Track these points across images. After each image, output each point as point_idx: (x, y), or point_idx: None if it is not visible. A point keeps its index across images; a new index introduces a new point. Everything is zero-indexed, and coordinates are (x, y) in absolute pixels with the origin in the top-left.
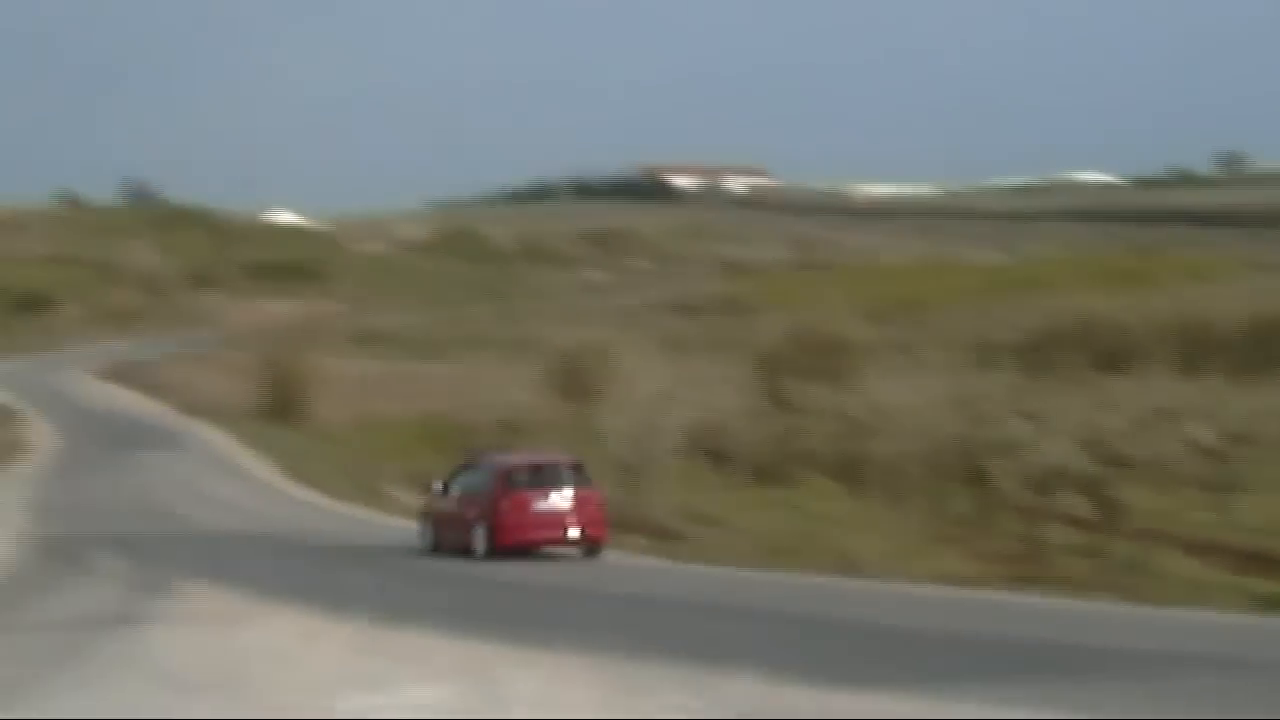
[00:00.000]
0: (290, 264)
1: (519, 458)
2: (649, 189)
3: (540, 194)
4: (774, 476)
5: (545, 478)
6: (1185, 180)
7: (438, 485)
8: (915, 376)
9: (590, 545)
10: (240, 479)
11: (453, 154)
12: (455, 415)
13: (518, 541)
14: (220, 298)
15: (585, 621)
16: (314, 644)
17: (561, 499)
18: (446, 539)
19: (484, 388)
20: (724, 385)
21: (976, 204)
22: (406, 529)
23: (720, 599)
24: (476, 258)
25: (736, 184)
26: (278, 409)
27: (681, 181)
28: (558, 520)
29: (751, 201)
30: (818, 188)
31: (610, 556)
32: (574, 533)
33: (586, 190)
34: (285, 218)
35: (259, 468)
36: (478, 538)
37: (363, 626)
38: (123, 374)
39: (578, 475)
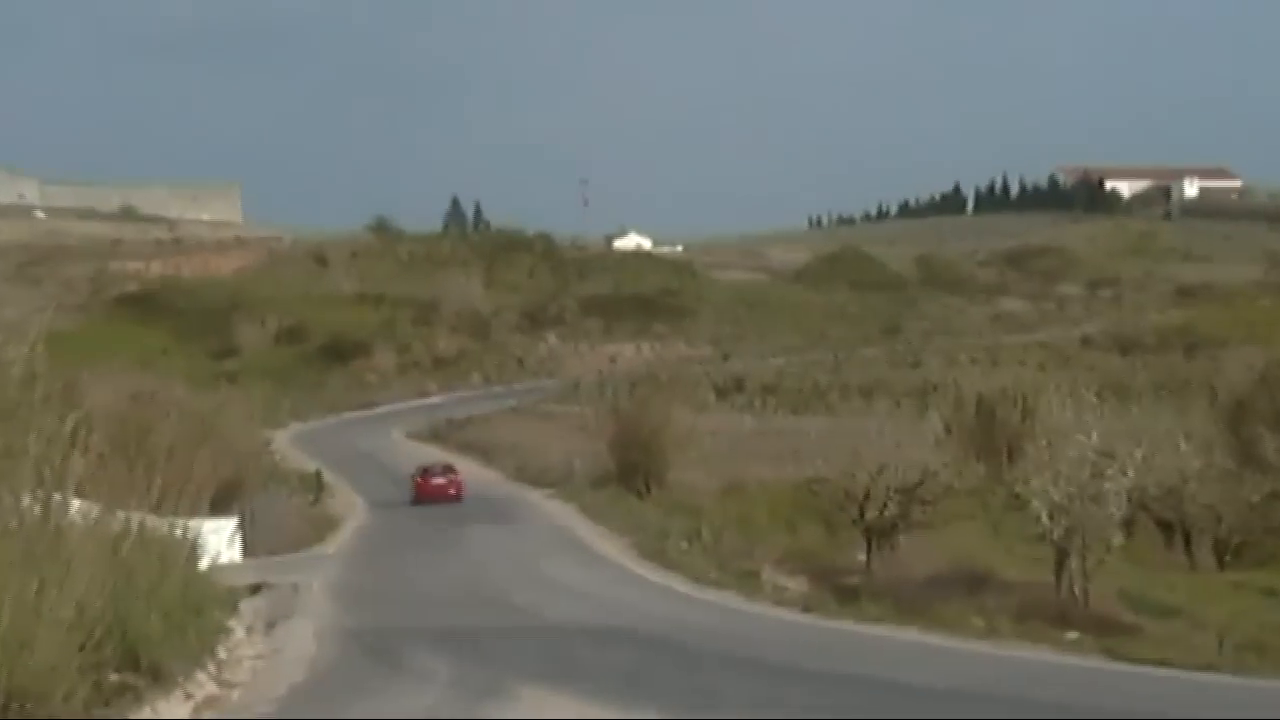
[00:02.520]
0: (641, 298)
1: None
2: (1080, 197)
3: (943, 208)
4: (1248, 555)
5: None
6: None
7: None
8: None
9: None
10: (586, 559)
11: (833, 164)
12: (841, 480)
13: None
14: (558, 340)
15: None
16: None
17: None
18: None
19: (876, 446)
20: (1179, 440)
21: None
22: (792, 623)
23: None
24: (866, 285)
25: (1192, 188)
26: (629, 474)
27: (1122, 186)
28: None
29: (1211, 210)
30: None
31: (1038, 654)
32: None
33: (1001, 202)
34: (634, 243)
35: (608, 545)
36: None
37: None
38: (444, 434)
39: None
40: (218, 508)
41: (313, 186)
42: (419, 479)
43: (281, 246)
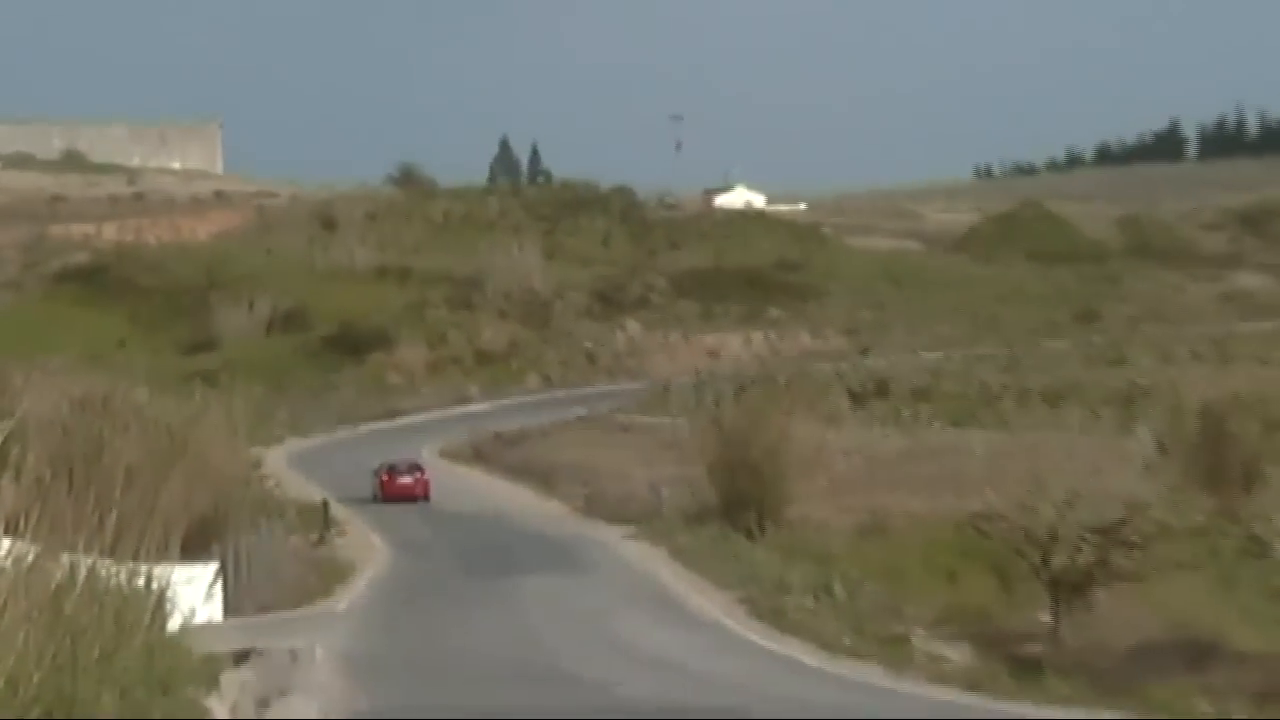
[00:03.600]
0: (752, 273)
1: None
2: None
3: (1155, 153)
4: None
5: None
6: None
7: None
8: None
9: None
10: (678, 619)
11: (1008, 95)
12: (1018, 517)
13: None
14: (641, 329)
15: None
16: None
17: None
18: None
19: (1066, 470)
20: None
21: None
22: (954, 705)
23: None
24: (1052, 255)
25: None
26: (736, 508)
27: None
28: None
29: None
30: None
31: None
32: None
33: (1233, 144)
34: (743, 200)
35: (708, 601)
36: None
37: None
38: (490, 453)
39: None
40: (192, 550)
41: (316, 126)
42: (384, 476)
43: (276, 205)
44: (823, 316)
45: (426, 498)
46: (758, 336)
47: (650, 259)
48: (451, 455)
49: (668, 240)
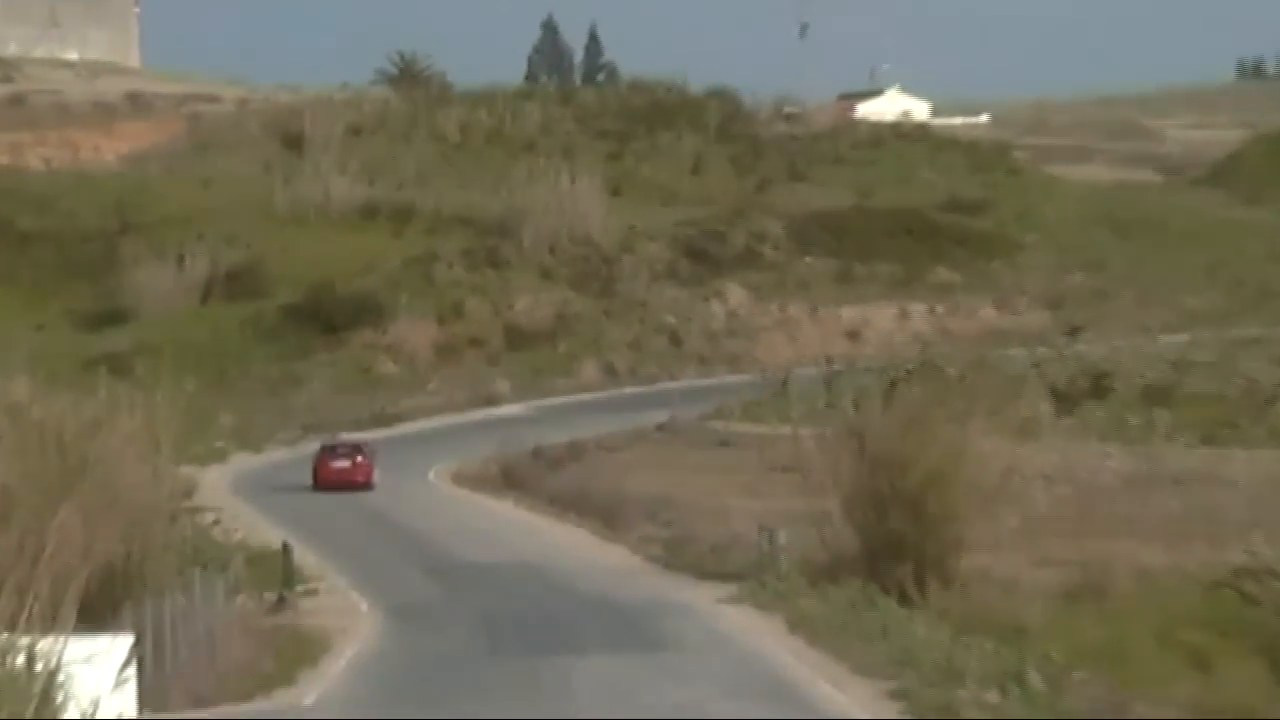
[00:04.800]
0: (910, 217)
1: None
2: None
3: None
4: None
5: None
6: None
7: None
8: None
9: None
10: None
11: None
12: None
13: None
14: (748, 296)
15: None
16: None
17: None
18: None
19: None
20: None
21: None
22: None
23: None
24: None
25: None
26: (885, 558)
27: None
28: None
29: None
30: None
31: None
32: None
33: None
34: (897, 110)
35: (841, 695)
36: None
37: None
38: (526, 477)
39: None
40: (95, 615)
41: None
42: (320, 460)
43: (216, 115)
44: (1014, 280)
45: (369, 486)
46: (918, 309)
47: (761, 195)
48: (470, 480)
49: (787, 169)
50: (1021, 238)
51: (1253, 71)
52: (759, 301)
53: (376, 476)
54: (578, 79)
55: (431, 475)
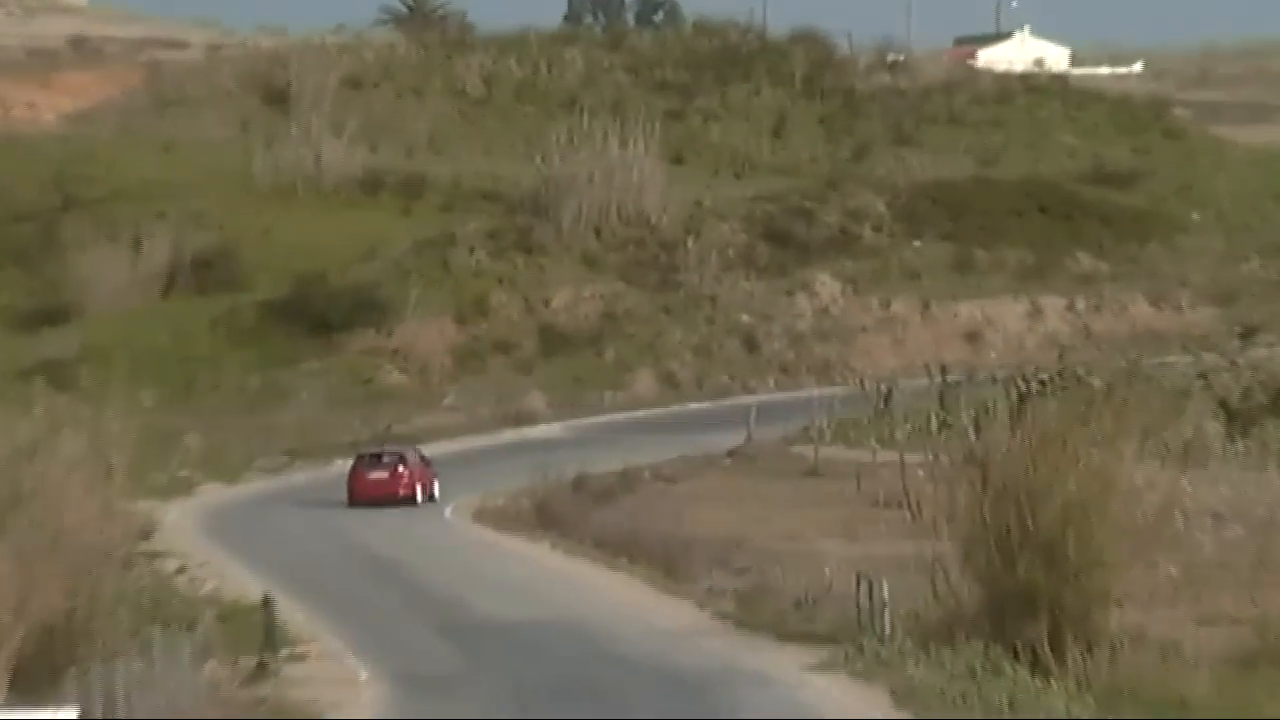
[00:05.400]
0: (1046, 188)
1: None
2: None
3: None
4: None
5: None
6: None
7: None
8: None
9: None
10: None
11: None
12: None
13: None
14: (840, 286)
15: None
16: None
17: None
18: None
19: None
20: None
21: None
22: None
23: None
24: None
25: None
26: (1011, 613)
27: None
28: None
29: None
30: None
31: None
32: None
33: None
34: (1029, 57)
35: None
36: None
37: None
38: (565, 514)
39: None
40: (31, 683)
41: None
42: (355, 470)
43: (181, 64)
44: (1173, 269)
45: (430, 497)
46: (1054, 305)
47: (859, 164)
48: (496, 518)
49: (891, 130)
50: (1184, 216)
51: None
52: (856, 296)
53: (436, 489)
54: (630, 19)
55: (448, 512)
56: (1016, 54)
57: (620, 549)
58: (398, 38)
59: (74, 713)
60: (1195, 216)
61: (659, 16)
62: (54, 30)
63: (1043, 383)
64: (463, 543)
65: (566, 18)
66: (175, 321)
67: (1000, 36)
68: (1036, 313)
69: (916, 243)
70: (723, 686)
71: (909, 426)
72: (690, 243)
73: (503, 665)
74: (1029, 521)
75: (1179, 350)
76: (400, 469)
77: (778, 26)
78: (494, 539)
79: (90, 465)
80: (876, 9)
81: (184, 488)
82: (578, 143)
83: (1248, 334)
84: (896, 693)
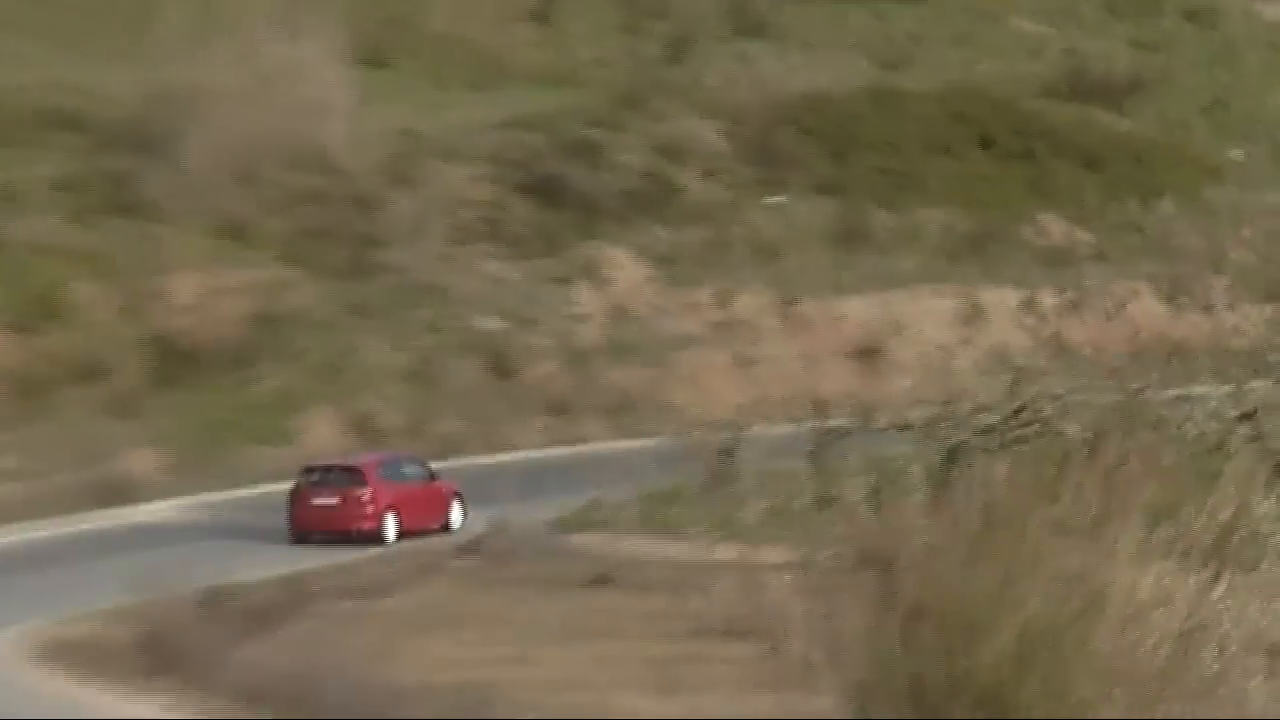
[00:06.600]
0: (981, 101)
1: None
2: None
3: None
4: None
5: None
6: None
7: None
8: None
9: None
10: None
11: None
12: None
13: None
14: (641, 268)
15: None
16: None
17: None
18: None
19: None
20: None
21: None
22: None
23: None
24: None
25: None
26: None
27: None
28: None
29: None
30: None
31: None
32: None
33: None
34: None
35: None
36: None
37: None
38: (181, 643)
39: None
40: None
41: None
42: (298, 493)
43: None
44: (1201, 241)
45: (378, 535)
46: (1004, 300)
47: (677, 66)
48: (73, 657)
49: (728, 8)
50: (1216, 154)
51: None
52: (674, 286)
53: (455, 517)
54: None
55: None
56: None
57: (283, 708)
58: None
59: None
60: (1235, 154)
61: None
62: None
63: (986, 430)
64: (13, 700)
65: None
66: None
67: None
68: (975, 313)
69: (774, 198)
70: None
71: (763, 504)
72: (399, 199)
73: None
74: (962, 659)
75: (1208, 375)
76: (360, 492)
77: None
78: (65, 693)
79: None
80: None
81: None
82: (211, 35)
83: None
84: None
